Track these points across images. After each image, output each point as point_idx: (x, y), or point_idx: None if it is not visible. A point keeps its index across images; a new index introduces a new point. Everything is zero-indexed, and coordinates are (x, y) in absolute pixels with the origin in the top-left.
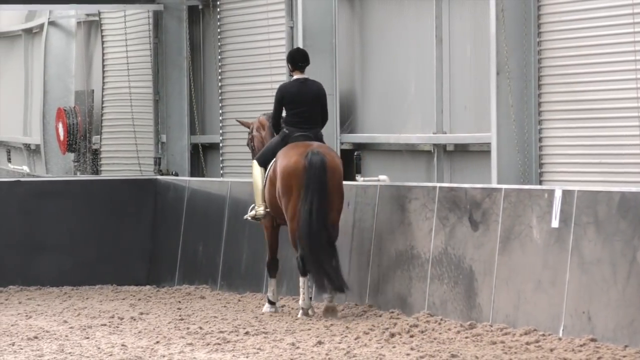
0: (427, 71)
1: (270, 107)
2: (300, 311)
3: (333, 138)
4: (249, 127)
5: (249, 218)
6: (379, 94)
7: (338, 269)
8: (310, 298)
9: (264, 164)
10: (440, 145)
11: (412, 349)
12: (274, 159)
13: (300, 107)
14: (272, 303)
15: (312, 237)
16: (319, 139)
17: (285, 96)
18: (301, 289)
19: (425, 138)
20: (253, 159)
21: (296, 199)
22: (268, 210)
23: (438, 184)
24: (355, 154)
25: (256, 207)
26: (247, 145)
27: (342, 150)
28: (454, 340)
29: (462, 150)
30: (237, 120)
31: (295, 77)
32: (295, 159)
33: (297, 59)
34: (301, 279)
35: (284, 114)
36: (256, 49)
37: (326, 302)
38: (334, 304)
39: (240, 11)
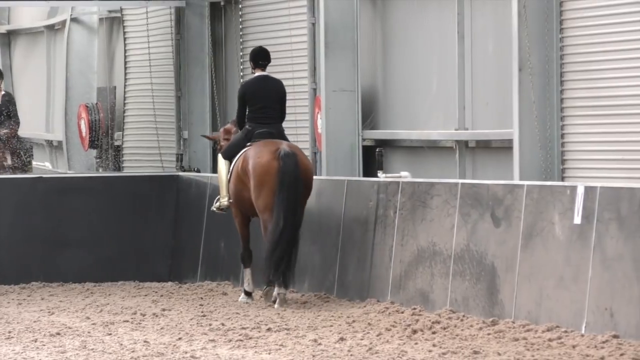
0: (449, 67)
1: (286, 103)
2: (243, 296)
3: (355, 134)
4: (215, 139)
5: (215, 210)
6: (400, 91)
7: (292, 267)
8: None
9: (228, 157)
10: (462, 141)
11: (434, 345)
12: (241, 155)
13: (261, 104)
14: (248, 294)
15: (282, 237)
16: (281, 133)
17: (246, 93)
18: (247, 277)
19: (447, 134)
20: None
21: (268, 193)
22: (231, 201)
23: (460, 181)
24: (377, 150)
25: (220, 199)
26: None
27: (364, 147)
28: (476, 337)
29: (484, 146)
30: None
31: (256, 74)
32: (267, 157)
33: (259, 57)
34: (248, 270)
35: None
36: (278, 45)
37: (278, 295)
38: (284, 294)
39: (262, 7)
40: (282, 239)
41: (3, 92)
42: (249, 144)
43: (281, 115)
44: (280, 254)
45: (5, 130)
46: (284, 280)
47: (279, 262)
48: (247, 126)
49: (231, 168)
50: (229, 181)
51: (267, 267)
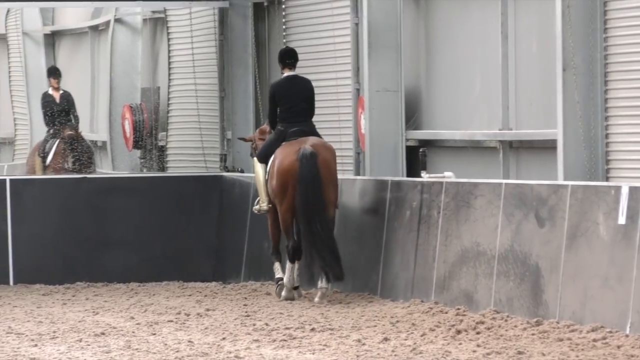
0: (492, 67)
1: (330, 103)
2: (281, 288)
3: (398, 135)
4: (251, 140)
5: (256, 211)
6: (444, 91)
7: (336, 258)
8: (297, 287)
9: (263, 160)
10: (506, 141)
11: (478, 345)
12: (273, 156)
13: (291, 103)
14: (280, 282)
15: (309, 227)
16: (312, 129)
17: (275, 93)
18: (288, 270)
19: (491, 134)
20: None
21: (291, 194)
22: (271, 205)
23: (504, 181)
24: (421, 150)
25: (260, 202)
26: (251, 156)
27: (407, 147)
28: (521, 337)
29: (528, 146)
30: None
31: (285, 74)
32: (290, 158)
33: (286, 56)
34: (288, 264)
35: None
36: (321, 45)
37: (320, 290)
38: (326, 289)
39: (305, 8)
40: (315, 237)
41: (62, 91)
42: (283, 143)
43: (310, 112)
44: (320, 252)
45: (70, 132)
46: (327, 274)
47: (316, 259)
48: (279, 126)
49: (268, 169)
50: (266, 183)
51: (306, 265)
